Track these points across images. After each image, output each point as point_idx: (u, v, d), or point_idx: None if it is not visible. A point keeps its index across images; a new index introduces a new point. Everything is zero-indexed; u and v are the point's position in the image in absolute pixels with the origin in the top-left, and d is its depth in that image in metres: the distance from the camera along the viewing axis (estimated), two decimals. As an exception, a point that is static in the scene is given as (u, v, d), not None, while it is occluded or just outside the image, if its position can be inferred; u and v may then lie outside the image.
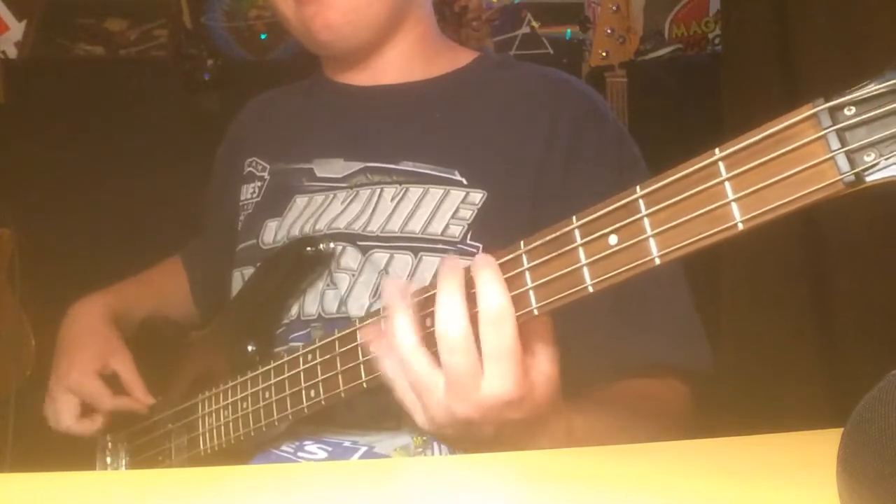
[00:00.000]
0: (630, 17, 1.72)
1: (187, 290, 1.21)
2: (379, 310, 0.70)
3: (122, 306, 1.13)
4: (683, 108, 1.77)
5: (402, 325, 0.64)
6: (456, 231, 0.87)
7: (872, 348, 1.40)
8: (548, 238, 0.60)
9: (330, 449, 0.87)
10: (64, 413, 1.04)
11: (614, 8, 1.69)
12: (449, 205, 0.88)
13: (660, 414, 0.82)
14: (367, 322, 0.71)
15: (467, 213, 0.88)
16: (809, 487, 0.50)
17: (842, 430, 0.44)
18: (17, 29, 1.85)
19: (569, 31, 1.96)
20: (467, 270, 0.63)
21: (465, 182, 0.89)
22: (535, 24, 1.95)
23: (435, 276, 0.65)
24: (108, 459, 1.12)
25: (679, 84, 1.84)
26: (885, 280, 1.40)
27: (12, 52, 1.84)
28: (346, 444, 0.87)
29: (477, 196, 0.88)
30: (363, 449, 0.86)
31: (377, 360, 0.67)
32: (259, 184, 1.03)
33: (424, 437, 0.85)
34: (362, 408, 0.85)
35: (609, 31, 1.69)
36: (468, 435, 0.65)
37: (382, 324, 0.67)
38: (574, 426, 0.70)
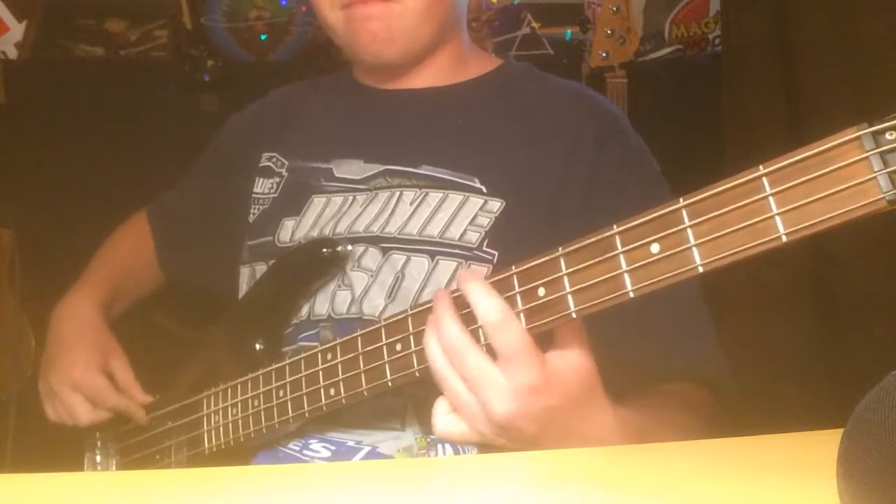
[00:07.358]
0: (630, 18, 1.71)
1: (153, 255, 1.21)
2: (427, 302, 0.70)
3: (107, 300, 1.14)
4: (683, 108, 1.76)
5: (448, 317, 0.64)
6: (473, 237, 0.88)
7: (872, 348, 1.40)
8: (587, 243, 0.61)
9: (334, 448, 0.88)
10: (80, 409, 1.04)
11: (614, 9, 1.69)
12: (467, 211, 0.89)
13: (687, 411, 0.82)
14: (418, 310, 0.70)
15: (485, 221, 0.88)
16: (809, 487, 0.51)
17: (842, 430, 0.44)
18: (17, 29, 1.85)
19: (569, 31, 1.96)
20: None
21: (484, 190, 0.90)
22: (535, 24, 1.95)
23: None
24: (98, 458, 1.11)
25: (679, 84, 1.84)
26: (885, 280, 1.40)
27: (12, 53, 1.84)
28: (350, 443, 0.87)
29: (496, 205, 0.89)
30: (367, 449, 0.87)
31: (427, 355, 0.66)
32: (277, 180, 1.03)
33: (428, 439, 0.85)
34: (368, 408, 0.85)
35: (609, 31, 1.69)
36: (519, 436, 0.64)
37: (430, 316, 0.67)
38: (626, 420, 0.69)
